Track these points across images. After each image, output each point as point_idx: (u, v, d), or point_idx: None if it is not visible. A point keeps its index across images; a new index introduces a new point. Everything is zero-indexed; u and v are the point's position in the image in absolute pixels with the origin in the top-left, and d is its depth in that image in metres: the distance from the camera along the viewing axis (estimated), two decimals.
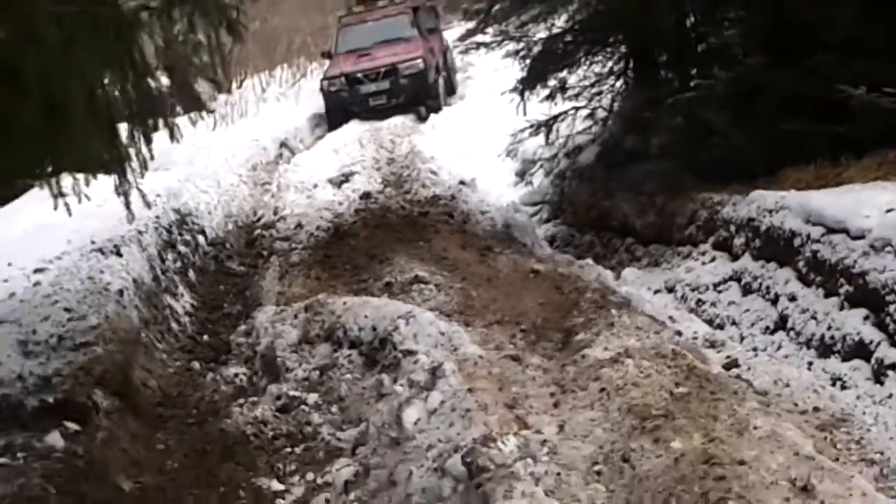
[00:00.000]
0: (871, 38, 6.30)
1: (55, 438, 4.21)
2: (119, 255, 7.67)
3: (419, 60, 17.04)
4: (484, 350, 4.65)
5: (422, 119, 16.83)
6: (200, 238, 10.30)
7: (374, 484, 3.81)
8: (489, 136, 12.19)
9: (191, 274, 9.05)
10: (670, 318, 5.86)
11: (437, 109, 17.31)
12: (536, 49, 8.83)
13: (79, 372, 5.05)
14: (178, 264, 8.99)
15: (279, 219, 10.81)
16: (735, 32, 7.45)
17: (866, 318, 5.08)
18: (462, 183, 11.21)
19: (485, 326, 5.25)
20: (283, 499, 4.08)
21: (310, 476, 4.19)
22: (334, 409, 4.86)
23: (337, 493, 3.93)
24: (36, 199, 9.52)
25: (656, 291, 6.96)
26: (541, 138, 10.07)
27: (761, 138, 6.88)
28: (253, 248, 10.22)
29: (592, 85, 9.17)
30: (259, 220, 11.45)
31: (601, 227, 8.87)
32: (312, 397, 5.06)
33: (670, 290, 6.90)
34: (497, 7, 8.85)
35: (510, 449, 3.33)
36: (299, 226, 9.88)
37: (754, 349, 5.70)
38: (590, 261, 7.08)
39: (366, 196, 10.77)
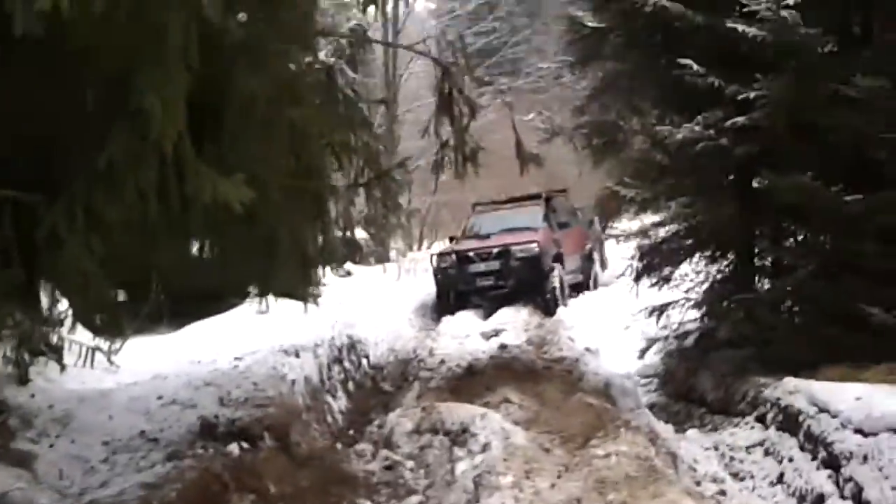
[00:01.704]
0: (888, 266, 7.99)
1: (233, 448, 6.45)
2: (297, 356, 10.07)
3: (534, 245, 16.12)
4: (527, 442, 6.63)
5: (541, 318, 15.80)
6: (364, 361, 12.72)
7: None
8: (627, 313, 13.89)
9: (350, 385, 11.39)
10: (694, 459, 7.60)
11: (550, 306, 16.21)
12: (649, 247, 10.85)
13: (254, 420, 7.31)
14: (342, 376, 11.36)
15: (430, 356, 13.01)
16: (795, 251, 9.22)
17: (829, 476, 6.68)
18: (587, 349, 13.17)
19: (538, 432, 7.22)
20: None
21: (390, 501, 6.20)
22: (422, 470, 6.87)
23: None
24: (239, 313, 12.31)
25: (706, 448, 8.58)
26: (663, 319, 11.83)
27: (804, 339, 8.58)
28: (404, 375, 12.40)
29: (701, 280, 10.99)
30: (416, 356, 13.68)
31: (688, 399, 10.54)
32: (410, 463, 7.10)
33: (716, 448, 8.53)
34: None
35: (507, 480, 5.30)
36: (443, 362, 12.02)
37: (759, 495, 7.36)
38: (646, 410, 8.85)
39: (503, 347, 12.84)
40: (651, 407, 11.19)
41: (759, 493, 7.43)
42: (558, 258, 16.78)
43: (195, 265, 10.50)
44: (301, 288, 12.45)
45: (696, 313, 11.33)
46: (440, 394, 10.33)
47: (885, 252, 8.05)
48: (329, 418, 9.95)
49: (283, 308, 13.26)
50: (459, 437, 7.05)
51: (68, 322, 9.11)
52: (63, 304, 8.82)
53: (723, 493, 6.78)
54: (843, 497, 6.38)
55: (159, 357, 9.88)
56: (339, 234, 8.78)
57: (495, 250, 16.40)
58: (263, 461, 6.55)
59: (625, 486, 5.38)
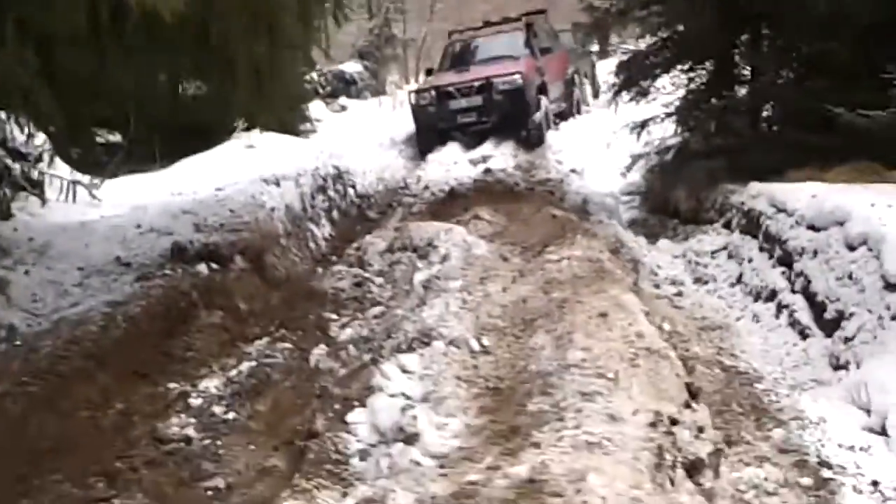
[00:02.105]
0: (857, 67, 7.97)
1: (202, 268, 6.68)
2: (278, 185, 10.21)
3: (517, 76, 14.96)
4: (488, 253, 6.84)
5: (528, 145, 15.24)
6: (350, 190, 12.89)
7: (388, 315, 6.03)
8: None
9: (334, 213, 11.58)
10: (658, 265, 7.85)
11: (536, 138, 15.36)
12: (628, 60, 10.81)
13: (228, 244, 7.51)
14: (326, 205, 11.55)
15: (416, 183, 13.17)
16: (767, 56, 9.19)
17: (783, 273, 6.90)
18: (573, 171, 13.30)
19: (501, 243, 7.43)
20: (335, 322, 6.35)
21: (356, 313, 6.44)
22: (389, 285, 7.09)
23: (367, 320, 6.17)
24: (227, 148, 12.42)
25: (675, 256, 8.81)
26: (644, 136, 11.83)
27: (773, 144, 8.66)
28: (390, 202, 12.59)
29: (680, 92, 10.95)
30: (403, 184, 13.84)
31: (664, 211, 10.71)
32: (379, 280, 7.32)
33: (684, 255, 8.74)
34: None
35: (456, 285, 5.53)
36: (426, 188, 12.21)
37: (719, 296, 7.60)
38: (614, 222, 9.07)
39: (487, 171, 12.94)
40: (632, 222, 11.39)
41: (720, 293, 7.66)
42: (542, 88, 15.73)
43: (166, 94, 10.55)
44: (271, 116, 12.62)
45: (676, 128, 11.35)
46: (422, 217, 10.54)
47: (852, 52, 8.01)
48: (311, 244, 10.18)
49: (271, 142, 13.41)
50: (424, 251, 7.26)
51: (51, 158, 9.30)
52: (40, 139, 8.98)
53: (679, 294, 7.04)
54: (793, 291, 6.60)
55: (143, 191, 10.03)
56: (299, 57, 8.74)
57: (476, 84, 15.20)
58: (234, 280, 6.80)
59: (569, 285, 5.58)
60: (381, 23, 26.02)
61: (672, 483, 3.27)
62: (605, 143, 13.48)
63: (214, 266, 6.86)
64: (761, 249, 7.51)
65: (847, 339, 5.56)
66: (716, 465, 3.68)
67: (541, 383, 4.07)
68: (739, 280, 7.62)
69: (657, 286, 7.29)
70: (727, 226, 8.59)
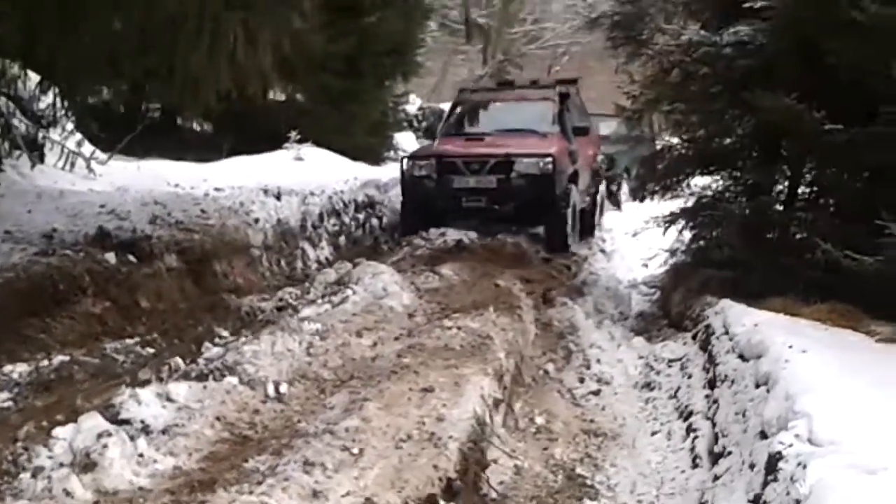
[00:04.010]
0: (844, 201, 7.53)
1: (110, 257, 6.59)
2: (278, 199, 10.15)
3: (548, 159, 11.40)
4: (400, 306, 6.62)
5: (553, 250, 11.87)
6: (374, 221, 12.73)
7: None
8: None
9: (341, 239, 11.45)
10: (598, 360, 7.56)
11: (558, 241, 12.05)
12: (650, 155, 10.50)
13: (170, 240, 7.47)
14: (336, 228, 11.42)
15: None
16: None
17: (706, 396, 6.48)
18: (601, 251, 12.89)
19: (427, 300, 7.18)
20: (222, 339, 6.19)
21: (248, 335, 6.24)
22: None
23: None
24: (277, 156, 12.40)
25: (640, 357, 8.40)
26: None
27: (764, 266, 8.22)
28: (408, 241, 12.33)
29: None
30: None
31: (664, 311, 10.32)
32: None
33: (646, 357, 8.34)
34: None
35: (312, 328, 5.33)
36: (443, 235, 11.81)
37: (653, 406, 7.20)
38: (576, 308, 8.74)
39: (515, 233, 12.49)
40: (639, 315, 10.97)
41: (654, 403, 7.26)
42: (573, 178, 12.28)
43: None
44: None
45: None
46: (418, 260, 10.32)
47: (858, 188, 7.60)
48: (299, 263, 10.08)
49: (320, 158, 13.36)
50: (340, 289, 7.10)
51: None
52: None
53: (595, 393, 6.71)
54: (706, 417, 6.21)
55: (151, 176, 10.12)
56: None
57: (492, 160, 11.59)
58: (146, 277, 6.72)
59: (429, 354, 5.32)
60: (492, 71, 26.10)
61: None
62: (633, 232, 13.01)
63: (131, 258, 6.78)
64: (704, 368, 7.09)
65: (716, 478, 5.19)
66: None
67: (285, 442, 3.83)
68: (675, 394, 7.20)
69: (581, 380, 6.98)
70: (695, 337, 8.17)
